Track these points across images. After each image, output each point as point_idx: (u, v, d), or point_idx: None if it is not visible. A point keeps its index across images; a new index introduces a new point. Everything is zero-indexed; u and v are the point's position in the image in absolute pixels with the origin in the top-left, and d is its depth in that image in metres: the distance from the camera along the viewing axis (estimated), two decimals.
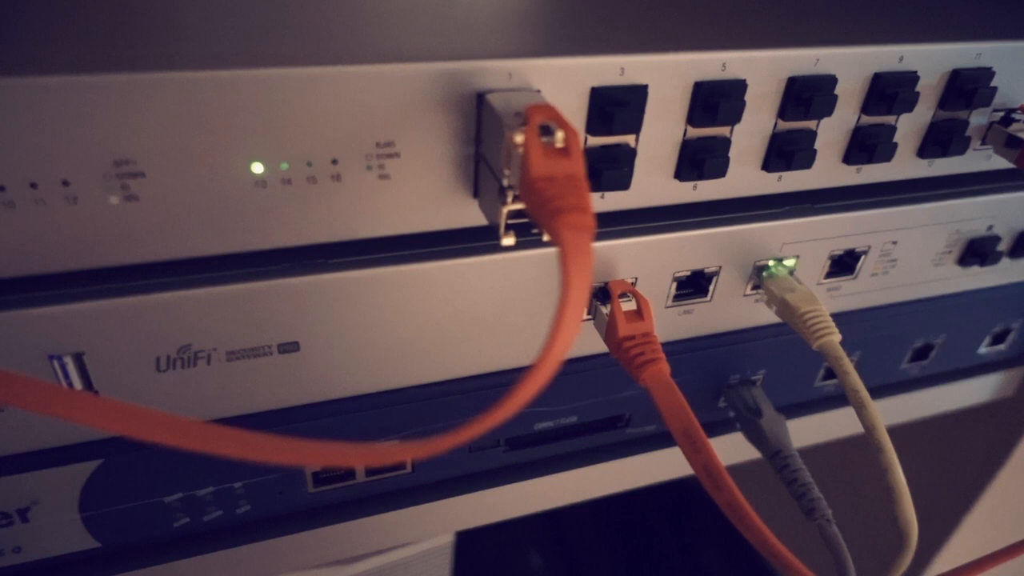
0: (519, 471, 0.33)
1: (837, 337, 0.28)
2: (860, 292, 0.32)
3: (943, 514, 0.49)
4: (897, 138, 0.27)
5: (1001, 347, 0.41)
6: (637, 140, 0.24)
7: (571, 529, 0.71)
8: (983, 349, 0.40)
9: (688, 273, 0.28)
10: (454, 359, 0.27)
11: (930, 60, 0.26)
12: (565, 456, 0.34)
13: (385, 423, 0.28)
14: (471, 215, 0.24)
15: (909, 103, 0.26)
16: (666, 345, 0.25)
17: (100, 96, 0.18)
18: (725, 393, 0.34)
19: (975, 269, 0.34)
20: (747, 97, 0.24)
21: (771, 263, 0.29)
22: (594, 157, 0.23)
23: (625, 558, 0.70)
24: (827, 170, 0.28)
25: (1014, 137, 0.28)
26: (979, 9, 0.31)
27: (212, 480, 0.27)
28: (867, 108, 0.26)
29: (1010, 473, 0.46)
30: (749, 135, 0.25)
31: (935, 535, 0.49)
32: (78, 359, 0.22)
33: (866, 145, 0.27)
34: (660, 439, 0.35)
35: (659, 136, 0.24)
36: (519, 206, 0.20)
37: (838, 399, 0.38)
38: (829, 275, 0.31)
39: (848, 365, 0.27)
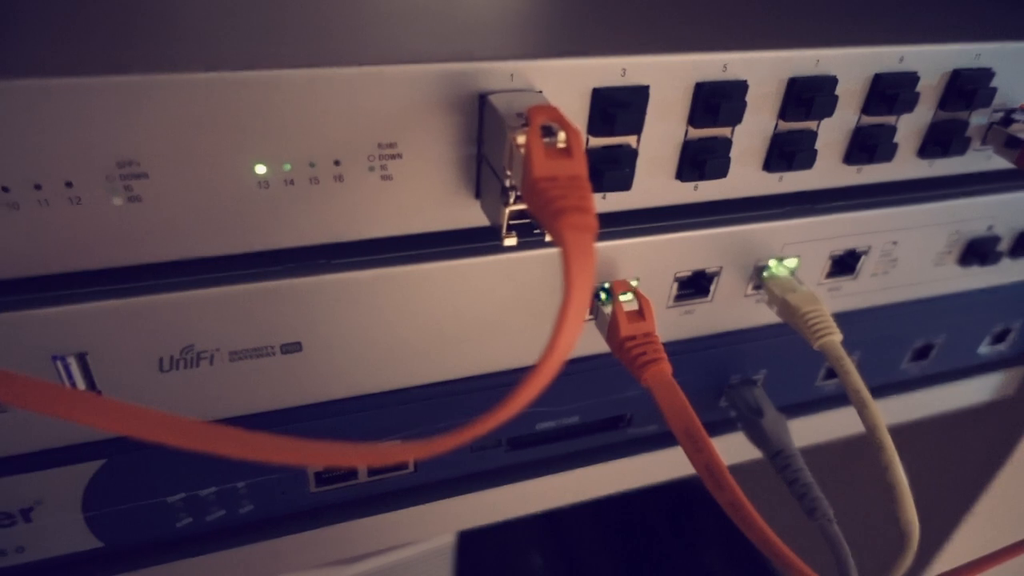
0: (521, 471, 0.33)
1: (838, 337, 0.28)
2: (861, 292, 0.32)
3: (944, 514, 0.49)
4: (897, 138, 0.28)
5: (1001, 347, 0.41)
6: (638, 141, 0.24)
7: (572, 529, 0.71)
8: (983, 349, 0.40)
9: (689, 273, 0.28)
10: (456, 359, 0.27)
11: (930, 61, 0.26)
12: (567, 456, 0.34)
13: (387, 423, 0.28)
14: (473, 216, 0.24)
15: (909, 103, 0.26)
16: (667, 345, 0.25)
17: (103, 98, 0.18)
18: (726, 393, 0.34)
19: (975, 269, 0.34)
20: (748, 98, 0.24)
21: (772, 263, 0.29)
22: (595, 158, 0.23)
23: (627, 558, 0.70)
24: (828, 170, 0.28)
25: (1014, 137, 0.28)
26: (979, 10, 0.31)
27: (215, 480, 0.27)
28: (868, 108, 0.26)
29: (1011, 473, 0.46)
30: (750, 136, 0.25)
31: (936, 535, 0.49)
32: (81, 359, 0.22)
33: (867, 145, 0.27)
34: (661, 439, 0.35)
35: (660, 137, 0.24)
36: (521, 206, 0.20)
37: (839, 399, 0.38)
38: (830, 275, 0.31)
39: (849, 365, 0.27)
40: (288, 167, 0.21)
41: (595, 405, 0.32)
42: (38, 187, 0.19)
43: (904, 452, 0.27)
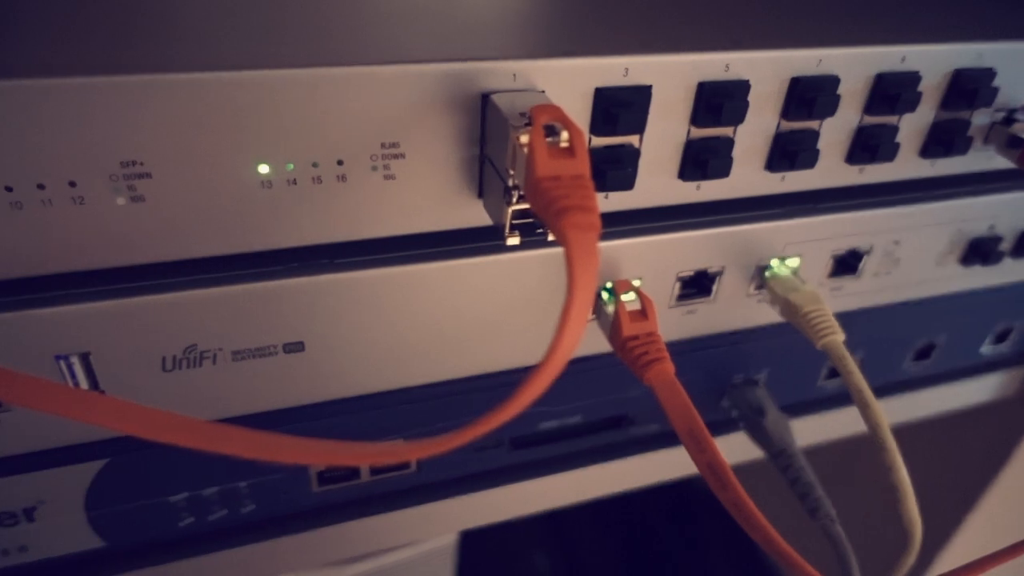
0: (523, 471, 0.33)
1: (840, 336, 0.28)
2: (863, 292, 0.32)
3: (946, 513, 0.49)
4: (899, 138, 0.28)
5: (1003, 347, 0.41)
6: (641, 140, 0.24)
7: (575, 529, 0.71)
8: (985, 349, 0.40)
9: (692, 273, 0.28)
10: (459, 359, 0.27)
11: (932, 60, 0.26)
12: (569, 456, 0.34)
13: (390, 423, 0.28)
14: (476, 215, 0.24)
15: (911, 103, 0.26)
16: (669, 345, 0.25)
17: (106, 98, 0.18)
18: (728, 393, 0.34)
19: (977, 269, 0.34)
20: (750, 97, 0.24)
21: (774, 263, 0.29)
22: (598, 157, 0.23)
23: (629, 559, 0.70)
24: (830, 170, 0.28)
25: (1016, 137, 0.28)
26: (981, 10, 0.31)
27: (217, 480, 0.27)
28: (870, 108, 0.26)
29: (1013, 472, 0.46)
30: (752, 135, 0.25)
31: (938, 534, 0.49)
32: (84, 359, 0.22)
33: (869, 145, 0.27)
34: (664, 439, 0.35)
35: (663, 136, 0.24)
36: (524, 206, 0.20)
37: (841, 398, 0.38)
38: (832, 275, 0.31)
39: (852, 364, 0.27)
40: (291, 167, 0.21)
41: (597, 405, 0.32)
42: (41, 187, 0.19)
43: (906, 452, 0.27)
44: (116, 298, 0.21)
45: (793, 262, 0.30)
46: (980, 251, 0.33)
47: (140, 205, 0.20)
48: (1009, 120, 0.29)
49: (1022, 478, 0.47)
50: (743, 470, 0.28)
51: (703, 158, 0.25)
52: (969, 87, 0.27)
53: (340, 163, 0.21)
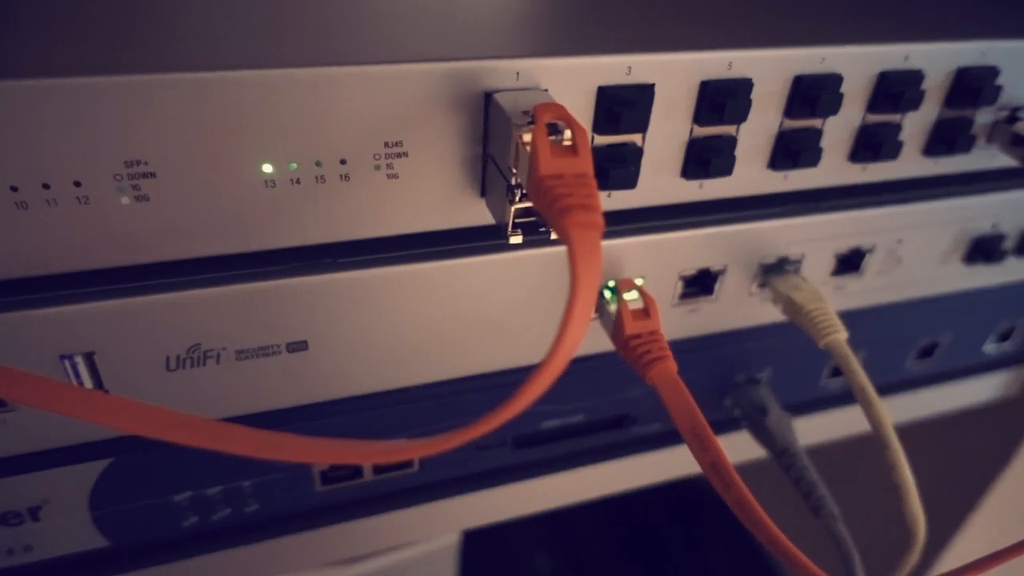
0: (525, 470, 0.33)
1: (843, 335, 0.28)
2: (866, 290, 0.32)
3: (949, 512, 0.49)
4: (903, 136, 0.28)
5: (1006, 345, 0.41)
6: (644, 139, 0.24)
7: (577, 529, 0.71)
8: (988, 347, 0.40)
9: (694, 272, 0.28)
10: (462, 358, 0.27)
11: (936, 59, 0.26)
12: (571, 455, 0.34)
13: (393, 422, 0.28)
14: (479, 214, 0.24)
15: (915, 101, 0.26)
16: (672, 344, 0.25)
17: (111, 97, 0.18)
18: (731, 392, 0.34)
19: (980, 267, 0.34)
20: (753, 96, 0.24)
21: (777, 261, 0.29)
22: (601, 156, 0.23)
23: (632, 558, 0.70)
24: (833, 168, 0.28)
25: (1019, 135, 0.28)
26: (984, 8, 0.31)
27: (221, 479, 0.27)
28: (873, 107, 0.26)
29: (1016, 471, 0.46)
30: (755, 134, 0.25)
31: (941, 533, 0.49)
32: (89, 359, 0.22)
33: (872, 143, 0.27)
34: (666, 438, 0.35)
35: (666, 135, 0.24)
36: (527, 205, 0.20)
37: (844, 397, 0.38)
38: (835, 273, 0.31)
39: (855, 363, 0.27)
40: (294, 166, 0.21)
41: (600, 404, 0.32)
42: (46, 187, 0.19)
43: (909, 451, 0.27)
44: (120, 298, 0.21)
45: (796, 260, 0.30)
46: (983, 250, 0.33)
47: (144, 205, 0.20)
48: (1012, 118, 0.29)
49: None
50: (746, 469, 0.28)
51: (706, 157, 0.25)
52: (972, 85, 0.27)
53: (343, 162, 0.21)
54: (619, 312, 0.25)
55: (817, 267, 0.30)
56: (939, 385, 0.40)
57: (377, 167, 0.21)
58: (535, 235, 0.21)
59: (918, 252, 0.32)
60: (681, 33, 0.25)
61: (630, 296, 0.26)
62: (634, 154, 0.23)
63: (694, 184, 0.26)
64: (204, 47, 0.21)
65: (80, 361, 0.22)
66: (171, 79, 0.19)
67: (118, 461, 0.25)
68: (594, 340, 0.27)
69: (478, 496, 0.32)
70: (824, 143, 0.26)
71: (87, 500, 0.26)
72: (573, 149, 0.18)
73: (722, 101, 0.23)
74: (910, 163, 0.29)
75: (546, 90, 0.21)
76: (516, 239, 0.21)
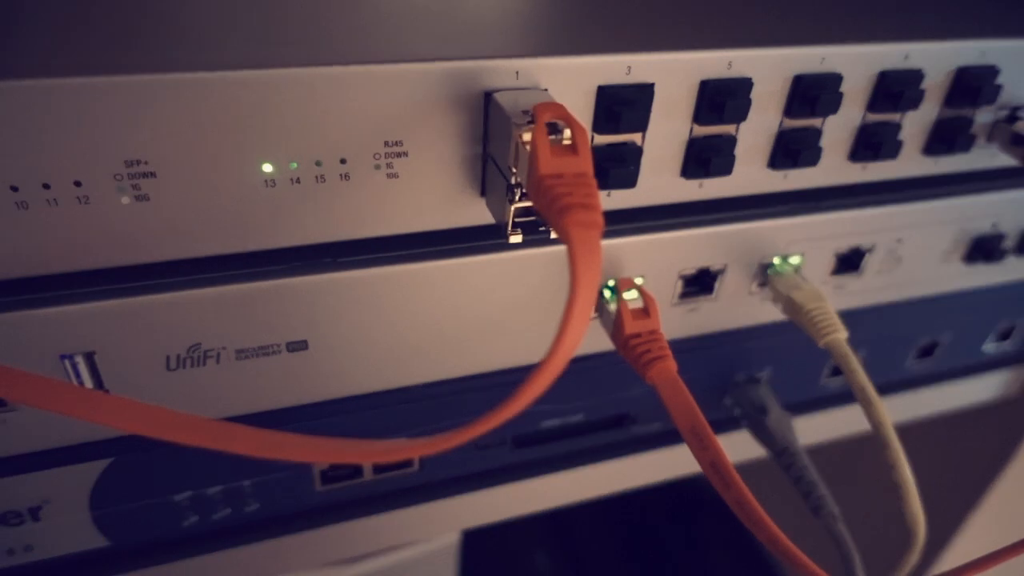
0: (525, 469, 0.33)
1: (843, 334, 0.28)
2: (865, 290, 0.32)
3: (949, 511, 0.49)
4: (902, 136, 0.28)
5: (1006, 345, 0.41)
6: (643, 138, 0.24)
7: (577, 528, 0.71)
8: (988, 347, 0.40)
9: (694, 271, 0.28)
10: (462, 357, 0.27)
11: (935, 58, 0.26)
12: (571, 454, 0.34)
13: (393, 421, 0.28)
14: (478, 214, 0.24)
15: (914, 101, 0.26)
16: (672, 343, 0.25)
17: (111, 97, 0.18)
18: (731, 391, 0.34)
19: (980, 267, 0.34)
20: (753, 95, 0.24)
21: (777, 261, 0.29)
22: (601, 155, 0.23)
23: (632, 558, 0.70)
24: (833, 168, 0.28)
25: (1019, 135, 0.28)
26: (984, 7, 0.31)
27: (221, 479, 0.27)
28: (873, 106, 0.26)
29: (1016, 470, 0.46)
30: (755, 133, 0.25)
31: (941, 532, 0.49)
32: (89, 358, 0.22)
33: (872, 143, 0.27)
34: (666, 437, 0.35)
35: (665, 134, 0.24)
36: (526, 204, 0.20)
37: (844, 396, 0.38)
38: (835, 273, 0.31)
39: (855, 362, 0.27)
40: (295, 166, 0.21)
41: (600, 403, 0.32)
42: (47, 186, 0.19)
43: (909, 450, 0.27)
44: (120, 297, 0.21)
45: (796, 260, 0.30)
46: (983, 249, 0.33)
47: (144, 204, 0.20)
48: (1012, 118, 0.29)
49: None
50: (745, 469, 0.28)
51: (705, 156, 0.25)
52: (972, 85, 0.27)
53: (343, 162, 0.21)
54: (619, 311, 0.25)
55: (817, 266, 0.30)
56: (939, 384, 0.40)
57: (377, 167, 0.21)
58: (535, 234, 0.21)
59: (918, 251, 0.32)
60: (681, 32, 0.25)
61: (630, 295, 0.26)
62: (634, 153, 0.23)
63: (694, 183, 0.26)
64: (203, 47, 0.21)
65: (80, 361, 0.22)
66: (171, 79, 0.19)
67: (118, 461, 0.25)
68: (594, 339, 0.27)
69: (478, 496, 0.33)
70: (824, 142, 0.26)
71: (87, 500, 0.26)
72: (573, 148, 0.18)
73: (722, 100, 0.23)
74: (910, 162, 0.29)
75: (546, 90, 0.21)
76: (516, 238, 0.21)
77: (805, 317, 0.28)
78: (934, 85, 0.27)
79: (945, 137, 0.28)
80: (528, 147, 0.18)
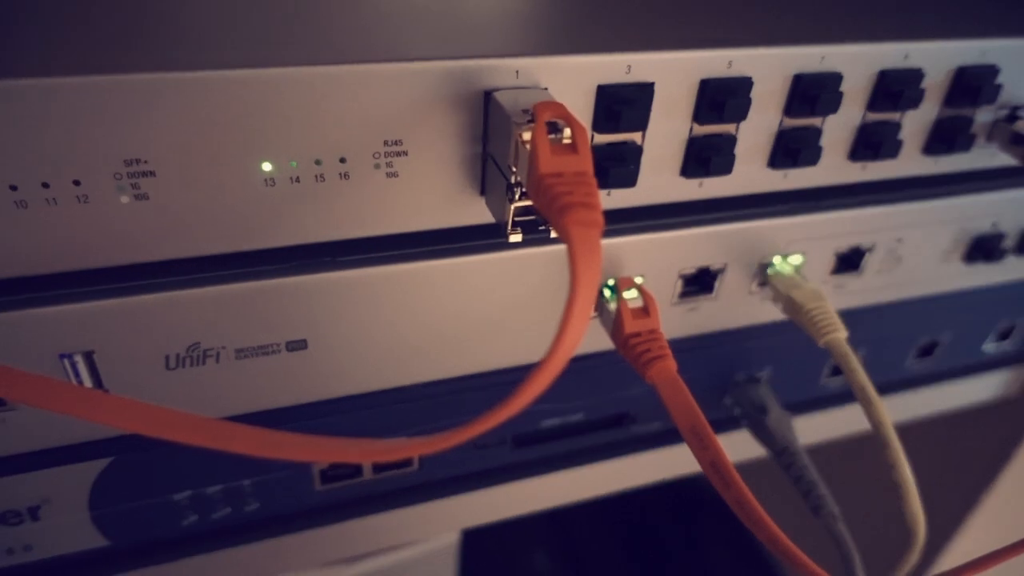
0: (525, 469, 0.33)
1: (843, 334, 0.28)
2: (865, 289, 0.32)
3: (949, 511, 0.49)
4: (902, 135, 0.28)
5: (1006, 344, 0.41)
6: (643, 138, 0.24)
7: (577, 528, 0.71)
8: (988, 346, 0.40)
9: (694, 270, 0.28)
10: (462, 357, 0.27)
11: (935, 57, 0.26)
12: (571, 454, 0.34)
13: (392, 421, 0.28)
14: (478, 213, 0.24)
15: (914, 100, 0.26)
16: (672, 342, 0.25)
17: (110, 96, 0.18)
18: (731, 390, 0.34)
19: (980, 266, 0.34)
20: (753, 94, 0.24)
21: (777, 260, 0.29)
22: (600, 155, 0.23)
23: (632, 557, 0.70)
24: (833, 167, 0.28)
25: (1019, 134, 0.28)
26: (984, 7, 0.31)
27: (221, 478, 0.27)
28: (873, 105, 0.26)
29: (1016, 470, 0.46)
30: (755, 132, 0.25)
31: (941, 532, 0.49)
32: (88, 358, 0.22)
33: (872, 142, 0.27)
34: (666, 436, 0.35)
35: (665, 134, 0.24)
36: (526, 203, 0.20)
37: (844, 396, 0.38)
38: (835, 272, 0.31)
39: (855, 362, 0.27)
40: (294, 165, 0.21)
41: (599, 402, 0.32)
42: (46, 185, 0.19)
43: (909, 450, 0.27)
44: (120, 296, 0.21)
45: (796, 259, 0.30)
46: (983, 249, 0.33)
47: (144, 203, 0.20)
48: (1012, 117, 0.29)
49: None
50: (745, 469, 0.28)
51: (705, 155, 0.25)
52: (972, 84, 0.27)
53: (343, 161, 0.21)
54: (619, 311, 0.25)
55: (817, 266, 0.30)
56: (939, 384, 0.40)
57: (377, 166, 0.21)
58: (535, 234, 0.21)
59: (918, 251, 0.32)
60: (681, 32, 0.25)
61: (630, 295, 0.26)
62: (634, 153, 0.23)
63: (694, 183, 0.26)
64: (203, 46, 0.21)
65: (80, 360, 0.22)
66: (170, 78, 0.19)
67: (118, 460, 0.25)
68: (594, 339, 0.27)
69: (478, 495, 0.32)
70: (824, 142, 0.26)
71: (87, 499, 0.26)
72: (573, 147, 0.18)
73: (722, 99, 0.23)
74: (910, 162, 0.29)
75: (546, 89, 0.21)
76: (516, 238, 0.21)
77: (805, 316, 0.28)
78: (934, 84, 0.27)
79: (945, 136, 0.28)
80: (528, 146, 0.18)
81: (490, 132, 0.22)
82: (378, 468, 0.30)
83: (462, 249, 0.24)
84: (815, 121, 0.26)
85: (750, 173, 0.26)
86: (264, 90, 0.19)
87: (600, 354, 0.29)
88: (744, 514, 0.22)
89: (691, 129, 0.24)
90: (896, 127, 0.27)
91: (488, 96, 0.21)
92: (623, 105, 0.22)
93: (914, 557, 0.29)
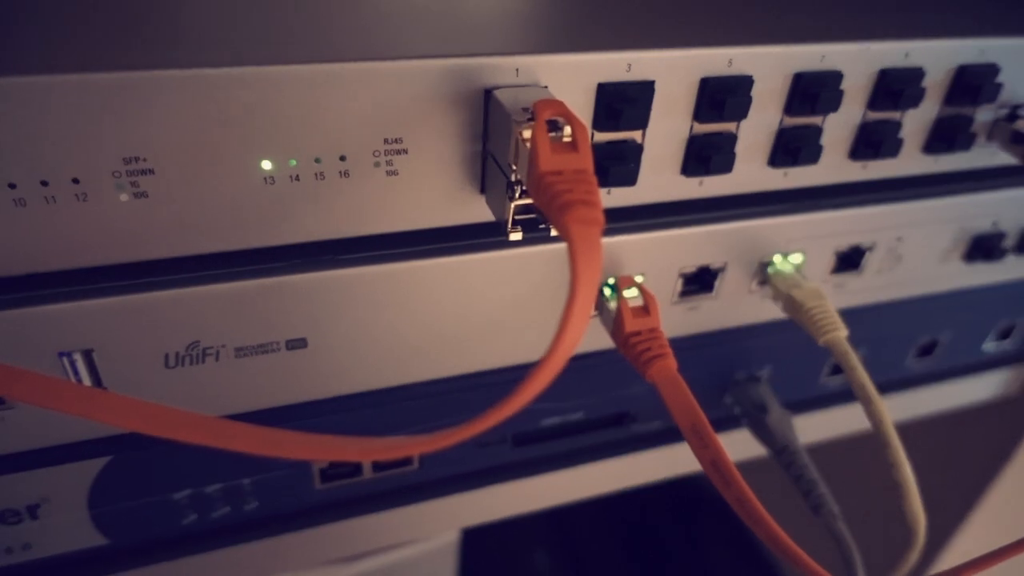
0: (525, 468, 0.33)
1: (844, 333, 0.28)
2: (865, 288, 0.32)
3: (949, 510, 0.49)
4: (903, 134, 0.27)
5: (1006, 343, 0.41)
6: (643, 136, 0.24)
7: (577, 527, 0.71)
8: (988, 346, 0.40)
9: (694, 269, 0.28)
10: (461, 355, 0.27)
11: (936, 56, 0.26)
12: (571, 453, 0.34)
13: (392, 419, 0.28)
14: (478, 211, 0.24)
15: (915, 99, 0.26)
16: (672, 341, 0.25)
17: (110, 94, 0.18)
18: (731, 389, 0.34)
19: (980, 265, 0.34)
20: (753, 93, 0.24)
21: (777, 259, 0.29)
22: (601, 153, 0.23)
23: (632, 557, 0.70)
24: (833, 166, 0.28)
25: (1019, 133, 0.28)
26: (985, 5, 0.31)
27: (220, 477, 0.27)
28: (873, 104, 0.26)
29: (1016, 469, 0.46)
30: (755, 131, 0.25)
31: (941, 531, 0.49)
32: (87, 356, 0.22)
33: (872, 141, 0.27)
34: (666, 435, 0.35)
35: (665, 132, 0.24)
36: (526, 201, 0.20)
37: (844, 395, 0.38)
38: (835, 271, 0.31)
39: (855, 361, 0.27)
40: (294, 163, 0.21)
41: (600, 401, 0.32)
42: (45, 184, 0.19)
43: (909, 449, 0.27)
44: (119, 295, 0.21)
45: (796, 258, 0.30)
46: (983, 248, 0.33)
47: (143, 201, 0.20)
48: (1012, 116, 0.29)
49: None
50: (745, 468, 0.28)
51: (706, 154, 0.25)
52: (972, 83, 0.27)
53: (343, 159, 0.21)
54: (619, 309, 0.25)
55: (817, 265, 0.30)
56: (939, 383, 0.40)
57: (377, 164, 0.21)
58: (535, 232, 0.21)
59: (918, 250, 0.32)
60: (681, 30, 0.25)
61: (630, 293, 0.26)
62: (634, 151, 0.23)
63: (694, 181, 0.26)
64: (203, 44, 0.21)
65: (79, 358, 0.22)
66: (170, 76, 0.18)
67: (117, 459, 0.25)
68: (594, 337, 0.27)
69: (478, 494, 0.32)
70: (824, 140, 0.26)
71: (86, 498, 0.26)
72: (573, 145, 0.18)
73: (722, 98, 0.23)
74: (910, 161, 0.29)
75: (546, 87, 0.21)
76: (516, 236, 0.21)
77: (805, 315, 0.28)
78: (934, 83, 0.27)
79: (945, 135, 0.28)
80: (528, 144, 0.18)
81: (490, 130, 0.21)
82: (378, 467, 0.30)
83: (462, 248, 0.24)
84: (815, 120, 0.26)
85: (750, 172, 0.26)
86: (264, 88, 0.19)
87: (600, 353, 0.29)
88: (745, 512, 0.22)
89: (691, 127, 0.24)
90: (896, 126, 0.27)
91: (488, 94, 0.21)
92: (623, 103, 0.22)
93: (914, 556, 0.29)
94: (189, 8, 0.23)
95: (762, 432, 0.33)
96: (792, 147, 0.26)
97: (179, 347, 0.23)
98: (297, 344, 0.24)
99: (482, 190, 0.23)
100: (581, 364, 0.30)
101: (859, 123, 0.27)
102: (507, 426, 0.31)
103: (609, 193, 0.25)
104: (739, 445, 0.34)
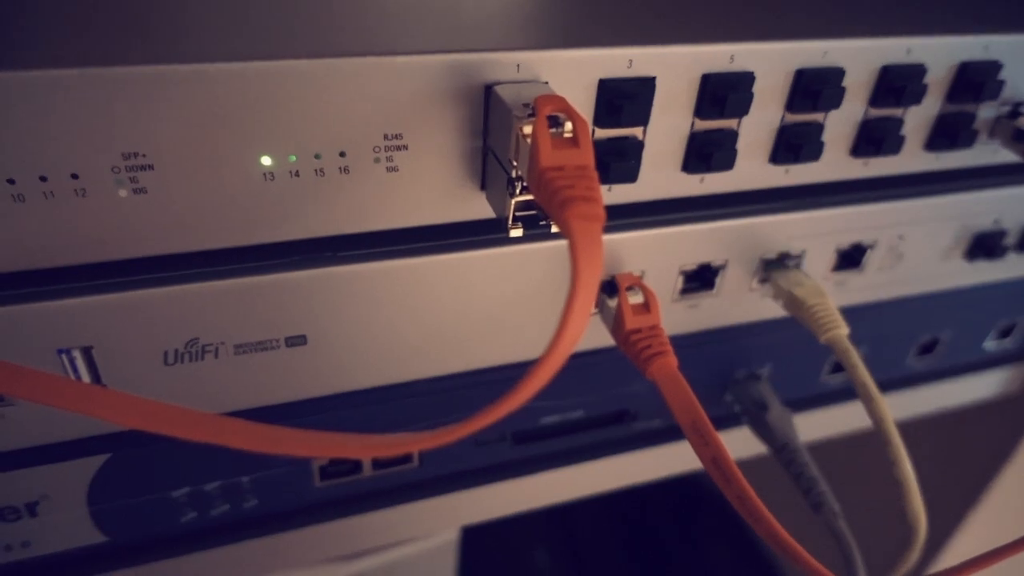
0: (525, 466, 0.33)
1: (844, 331, 0.28)
2: (867, 286, 0.32)
3: (950, 509, 0.49)
4: (905, 131, 0.27)
5: (1007, 342, 0.41)
6: (645, 133, 0.24)
7: (577, 525, 0.71)
8: (989, 344, 0.40)
9: (695, 266, 0.28)
10: (461, 353, 0.27)
11: (938, 53, 0.26)
12: (571, 451, 0.34)
13: (392, 417, 0.28)
14: (479, 208, 0.24)
15: (917, 96, 0.26)
16: (672, 339, 0.25)
17: (109, 89, 0.18)
18: (731, 387, 0.34)
19: (981, 263, 0.34)
20: (755, 89, 0.24)
21: (778, 256, 0.29)
22: (602, 150, 0.23)
23: (632, 555, 0.70)
24: (834, 163, 0.27)
25: (1021, 131, 0.28)
26: (987, 2, 0.31)
27: (220, 474, 0.27)
28: (875, 101, 0.26)
29: (1017, 468, 0.46)
30: (756, 128, 0.25)
31: (942, 530, 0.49)
32: (86, 353, 0.22)
33: (874, 138, 0.27)
34: (667, 433, 0.35)
35: (667, 129, 0.24)
36: (527, 197, 0.20)
37: (845, 393, 0.37)
38: (836, 269, 0.31)
39: (856, 358, 0.27)
40: (294, 159, 0.21)
41: (600, 399, 0.32)
42: (44, 179, 0.19)
43: (910, 447, 0.27)
44: (118, 291, 0.21)
45: (797, 256, 0.29)
46: (985, 246, 0.33)
47: (142, 197, 0.20)
48: (1015, 113, 0.29)
49: None
50: (746, 466, 0.28)
51: (707, 151, 0.24)
52: (975, 80, 0.27)
53: (343, 155, 0.21)
54: (619, 307, 0.25)
55: (818, 262, 0.30)
56: (940, 381, 0.40)
57: (377, 160, 0.21)
58: (536, 228, 0.21)
59: (919, 248, 0.32)
60: (682, 26, 0.25)
61: (630, 291, 0.26)
62: (635, 148, 0.23)
63: (695, 178, 0.26)
64: (203, 39, 0.21)
65: (78, 355, 0.22)
66: (169, 71, 0.18)
67: (116, 456, 0.25)
68: (594, 335, 0.27)
69: (478, 492, 0.32)
70: (826, 137, 0.26)
71: (85, 496, 0.25)
72: (574, 141, 0.18)
73: (723, 95, 0.23)
74: (912, 158, 0.29)
75: (547, 83, 0.21)
76: (516, 232, 0.21)
77: (806, 313, 0.28)
78: (936, 80, 0.27)
79: (947, 133, 0.28)
80: (529, 140, 0.18)
81: (491, 126, 0.21)
82: (378, 464, 0.30)
83: (462, 244, 0.24)
84: (817, 117, 0.26)
85: (752, 169, 0.26)
86: (263, 83, 0.19)
87: (601, 350, 0.29)
88: (745, 510, 0.22)
89: (692, 124, 0.24)
90: (898, 123, 0.27)
91: (489, 90, 0.21)
92: (624, 100, 0.22)
93: (915, 554, 0.29)
94: (188, 3, 0.23)
95: (762, 430, 0.33)
96: (793, 144, 0.26)
97: (178, 344, 0.23)
98: (297, 341, 0.24)
99: (483, 186, 0.23)
100: (581, 362, 0.30)
101: (861, 120, 0.27)
102: (507, 424, 0.31)
103: (610, 190, 0.25)
104: (739, 443, 0.34)
